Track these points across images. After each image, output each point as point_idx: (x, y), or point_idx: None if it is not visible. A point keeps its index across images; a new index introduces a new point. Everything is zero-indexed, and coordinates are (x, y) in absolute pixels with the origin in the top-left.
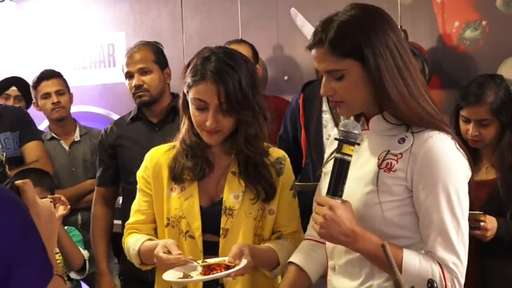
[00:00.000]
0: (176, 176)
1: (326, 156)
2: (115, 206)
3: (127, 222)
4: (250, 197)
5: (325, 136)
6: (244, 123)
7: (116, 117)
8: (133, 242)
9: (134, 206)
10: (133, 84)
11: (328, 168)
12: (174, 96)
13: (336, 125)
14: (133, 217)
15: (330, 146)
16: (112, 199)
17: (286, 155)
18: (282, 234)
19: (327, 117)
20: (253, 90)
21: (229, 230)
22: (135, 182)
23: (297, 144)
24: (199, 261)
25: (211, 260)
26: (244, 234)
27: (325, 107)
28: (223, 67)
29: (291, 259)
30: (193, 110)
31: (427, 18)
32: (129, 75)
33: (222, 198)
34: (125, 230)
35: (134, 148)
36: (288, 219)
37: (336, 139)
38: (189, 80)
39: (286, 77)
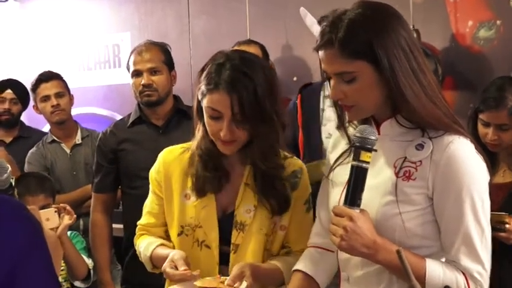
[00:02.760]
0: (199, 189)
1: (329, 160)
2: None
3: (139, 222)
4: (263, 211)
5: (324, 134)
6: (260, 136)
7: (120, 117)
8: (145, 246)
9: (146, 206)
10: (141, 83)
11: (336, 177)
12: (177, 99)
13: (340, 128)
14: (145, 218)
15: (332, 151)
16: (111, 206)
17: (304, 167)
18: (291, 250)
19: (326, 115)
20: (270, 99)
21: (240, 246)
22: (140, 186)
23: (297, 146)
24: (202, 279)
25: (210, 278)
26: (254, 250)
27: (322, 105)
28: (237, 76)
29: (297, 267)
30: (207, 119)
31: (440, 18)
32: (136, 73)
33: (233, 210)
34: (136, 230)
35: (138, 152)
36: (298, 235)
37: (352, 146)
38: (203, 87)
39: (295, 78)
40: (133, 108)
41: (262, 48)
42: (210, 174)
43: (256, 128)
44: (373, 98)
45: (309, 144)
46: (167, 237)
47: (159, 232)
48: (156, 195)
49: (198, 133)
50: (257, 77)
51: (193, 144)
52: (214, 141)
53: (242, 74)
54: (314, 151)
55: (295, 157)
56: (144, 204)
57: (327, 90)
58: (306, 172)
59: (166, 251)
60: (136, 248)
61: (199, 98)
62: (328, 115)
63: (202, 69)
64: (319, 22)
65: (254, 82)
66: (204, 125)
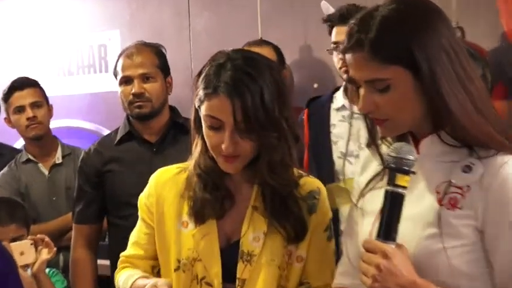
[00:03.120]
0: (198, 213)
1: (359, 184)
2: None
3: (122, 254)
4: (275, 239)
5: (335, 154)
6: (268, 147)
7: (107, 132)
8: (125, 278)
9: (133, 236)
10: (132, 92)
11: (367, 205)
12: (174, 110)
13: (371, 146)
14: (131, 249)
15: (362, 174)
16: (96, 239)
17: (322, 187)
18: (310, 286)
19: (336, 132)
20: (279, 105)
21: (247, 281)
22: (130, 216)
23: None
24: None
25: None
26: (265, 285)
27: (334, 120)
28: (240, 77)
29: None
30: (206, 130)
31: (488, 14)
32: (125, 80)
33: (239, 239)
34: (118, 262)
35: (128, 174)
36: (319, 269)
37: (386, 167)
38: (200, 92)
39: (316, 85)
40: (122, 122)
41: (277, 50)
42: (211, 196)
43: (263, 139)
44: (410, 110)
45: (318, 166)
46: (155, 274)
47: (145, 266)
48: (145, 223)
49: (196, 148)
50: (263, 78)
51: (190, 162)
52: (215, 157)
53: (246, 75)
54: (324, 174)
55: (311, 176)
56: (131, 234)
57: (338, 101)
58: (325, 193)
59: (148, 281)
60: (115, 283)
61: (197, 105)
62: (340, 131)
63: (200, 73)
64: (342, 16)
65: (260, 84)
66: (202, 138)
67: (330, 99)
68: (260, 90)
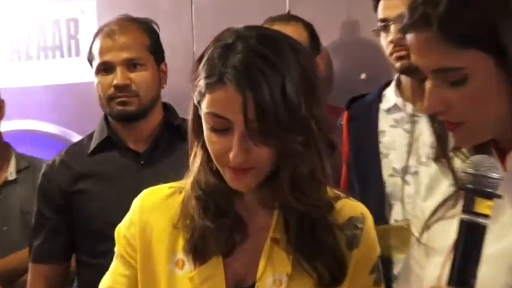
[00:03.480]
0: (197, 249)
1: (423, 212)
2: None
3: None
4: (302, 282)
5: (386, 171)
6: (291, 157)
7: (77, 138)
8: None
9: (107, 280)
10: (113, 83)
11: (435, 240)
12: (169, 109)
13: (440, 159)
14: None
15: (427, 197)
16: (60, 283)
17: (367, 213)
18: None
19: (387, 141)
20: (308, 99)
21: None
22: (108, 252)
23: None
24: None
25: None
26: None
27: (384, 125)
28: (254, 61)
29: None
30: (208, 133)
31: None
32: (104, 68)
33: (254, 283)
34: None
35: (106, 195)
36: None
37: (461, 188)
38: (201, 83)
39: (363, 75)
40: (98, 124)
41: (309, 28)
42: (215, 225)
43: (285, 145)
44: (494, 110)
45: (361, 187)
46: None
47: None
48: (124, 261)
49: (195, 160)
50: (286, 63)
51: (187, 180)
52: (220, 170)
53: (261, 59)
54: (370, 197)
55: (353, 199)
56: (104, 277)
57: (388, 100)
58: (372, 221)
59: None
60: None
61: (196, 100)
62: (391, 140)
63: (201, 57)
64: None
65: (281, 71)
66: (204, 145)
67: (379, 98)
68: (281, 79)
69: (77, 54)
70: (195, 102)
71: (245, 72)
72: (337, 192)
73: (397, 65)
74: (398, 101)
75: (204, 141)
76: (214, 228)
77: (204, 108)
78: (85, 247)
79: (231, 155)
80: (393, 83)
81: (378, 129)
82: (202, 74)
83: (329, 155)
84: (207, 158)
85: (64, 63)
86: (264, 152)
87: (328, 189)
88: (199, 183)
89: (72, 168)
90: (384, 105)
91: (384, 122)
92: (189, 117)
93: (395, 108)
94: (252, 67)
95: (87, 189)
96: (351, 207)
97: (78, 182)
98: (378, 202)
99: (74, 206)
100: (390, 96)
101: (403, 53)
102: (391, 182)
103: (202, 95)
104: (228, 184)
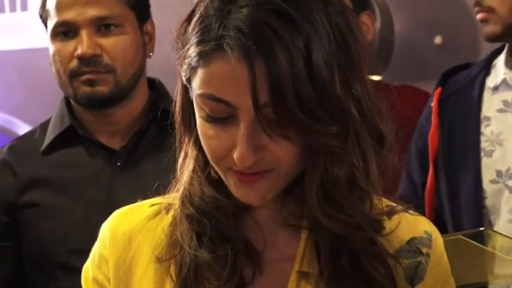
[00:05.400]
0: None
1: None
2: None
3: None
4: None
5: (487, 176)
6: (321, 156)
7: (26, 129)
8: None
9: None
10: (77, 53)
11: None
12: (155, 87)
13: None
14: None
15: None
16: None
17: (435, 231)
18: None
19: (492, 131)
20: (344, 74)
21: None
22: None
23: (420, 195)
24: None
25: None
26: None
27: (489, 109)
28: (266, 18)
29: None
30: (202, 125)
31: None
32: (64, 31)
33: None
34: None
35: (66, 210)
36: None
37: None
38: (191, 52)
39: (438, 39)
40: (56, 110)
41: None
42: (213, 255)
43: (312, 139)
44: None
45: (452, 197)
46: None
47: None
48: None
49: (186, 164)
50: (310, 21)
51: (176, 194)
52: (222, 176)
53: (276, 16)
54: (464, 212)
55: (413, 212)
56: None
57: (497, 74)
58: (442, 245)
59: None
60: None
61: (185, 78)
62: (497, 131)
63: (190, 15)
64: None
65: (304, 33)
66: (198, 142)
67: (486, 70)
68: (305, 43)
69: (24, 8)
70: (184, 80)
71: (253, 34)
72: (391, 203)
73: (483, 31)
74: (510, 74)
75: (197, 136)
76: (212, 260)
77: (195, 89)
78: (37, 282)
79: (235, 154)
80: (506, 49)
81: (481, 115)
82: (193, 40)
83: (376, 153)
84: (202, 161)
85: (5, 20)
86: (282, 149)
87: (376, 200)
88: (192, 197)
89: (18, 172)
90: (490, 81)
91: (490, 105)
92: (176, 102)
93: (504, 85)
94: (262, 27)
95: (40, 201)
96: (410, 224)
97: (28, 191)
98: (473, 217)
99: (21, 224)
100: (499, 68)
101: (481, 15)
102: (493, 191)
103: (193, 70)
104: (234, 196)
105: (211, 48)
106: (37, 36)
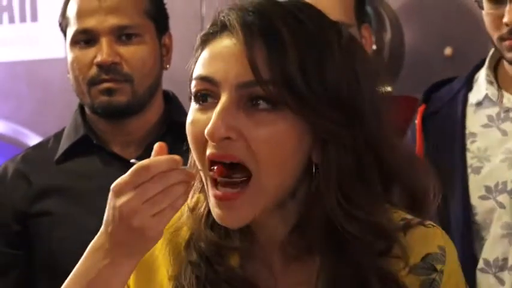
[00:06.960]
0: None
1: None
2: None
3: None
4: None
5: (475, 190)
6: (331, 144)
7: (36, 140)
8: None
9: None
10: (96, 61)
11: None
12: (170, 100)
13: None
14: None
15: None
16: None
17: (449, 245)
18: None
19: (478, 147)
20: (351, 81)
21: None
22: None
23: None
24: None
25: None
26: None
27: (474, 125)
28: (275, 10)
29: None
30: (190, 112)
31: None
32: (85, 39)
33: None
34: None
35: (78, 219)
36: None
37: None
38: (199, 42)
39: (448, 50)
40: (70, 120)
41: None
42: (212, 272)
43: (317, 126)
44: None
45: (442, 210)
46: None
47: None
48: None
49: (197, 192)
50: (323, 35)
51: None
52: (207, 193)
53: (289, 15)
54: (452, 229)
55: (430, 223)
56: None
57: (479, 90)
58: (456, 258)
59: None
60: None
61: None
62: (483, 147)
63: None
64: None
65: (308, 25)
66: None
67: (467, 86)
68: (307, 33)
69: (34, 18)
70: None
71: (259, 16)
72: (406, 215)
73: (510, 55)
74: (491, 90)
75: None
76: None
77: (195, 73)
78: (51, 286)
79: (206, 129)
80: (486, 64)
81: (466, 130)
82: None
83: (390, 154)
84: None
85: (15, 31)
86: (256, 138)
87: (393, 212)
88: (197, 239)
89: (32, 181)
90: (472, 97)
91: (474, 120)
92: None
93: (487, 100)
94: (265, 10)
95: (53, 210)
96: (424, 238)
97: (41, 200)
98: (462, 235)
99: (33, 234)
100: (481, 83)
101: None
102: (482, 208)
103: (195, 61)
104: (216, 219)
105: (213, 31)
106: (47, 47)
